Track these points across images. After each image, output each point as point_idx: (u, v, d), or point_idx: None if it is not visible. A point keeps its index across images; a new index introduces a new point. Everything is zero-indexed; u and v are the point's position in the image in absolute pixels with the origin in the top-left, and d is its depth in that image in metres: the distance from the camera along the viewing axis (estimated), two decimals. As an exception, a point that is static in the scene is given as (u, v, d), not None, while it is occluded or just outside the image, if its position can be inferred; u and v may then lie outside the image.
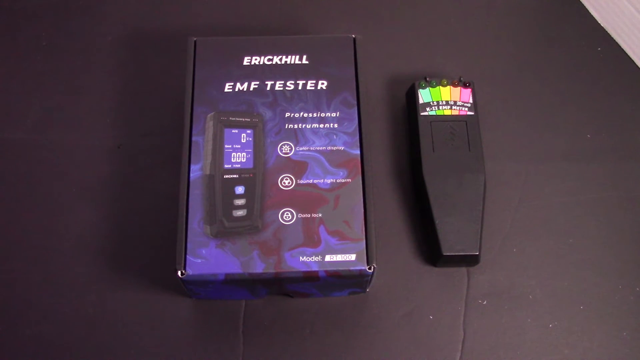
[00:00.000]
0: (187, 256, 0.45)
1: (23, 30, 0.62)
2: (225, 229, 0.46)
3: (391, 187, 0.55)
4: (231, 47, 0.52)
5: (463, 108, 0.54)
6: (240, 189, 0.47)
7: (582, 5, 0.64)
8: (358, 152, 0.48)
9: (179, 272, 0.44)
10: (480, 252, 0.50)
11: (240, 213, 0.46)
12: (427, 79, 0.55)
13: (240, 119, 0.49)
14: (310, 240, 0.46)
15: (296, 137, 0.49)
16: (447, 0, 0.65)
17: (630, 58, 0.61)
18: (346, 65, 0.52)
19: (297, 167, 0.48)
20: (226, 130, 0.49)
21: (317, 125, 0.49)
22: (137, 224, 0.53)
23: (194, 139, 0.48)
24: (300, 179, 0.47)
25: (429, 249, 0.52)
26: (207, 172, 0.47)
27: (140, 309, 0.50)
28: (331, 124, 0.49)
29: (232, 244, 0.45)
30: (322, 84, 0.51)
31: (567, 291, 0.51)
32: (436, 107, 0.54)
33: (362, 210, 0.46)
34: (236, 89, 0.50)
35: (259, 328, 0.50)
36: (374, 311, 0.51)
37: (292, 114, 0.50)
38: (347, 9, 0.64)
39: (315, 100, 0.50)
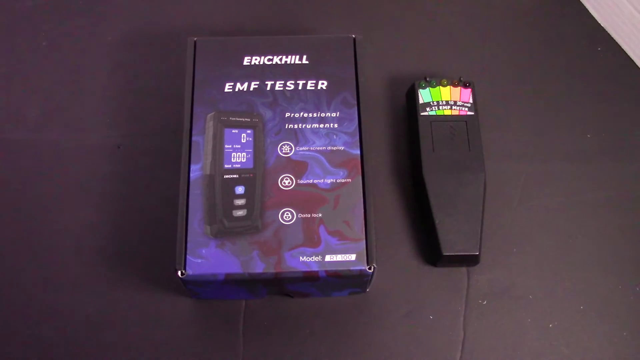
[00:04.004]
0: (187, 256, 0.45)
1: (23, 30, 0.62)
2: (225, 229, 0.46)
3: (391, 187, 0.55)
4: (231, 47, 0.52)
5: (463, 108, 0.54)
6: (240, 189, 0.47)
7: (582, 5, 0.64)
8: (358, 152, 0.48)
9: (179, 272, 0.44)
10: (480, 252, 0.50)
11: (240, 213, 0.46)
12: (427, 79, 0.55)
13: (240, 119, 0.49)
14: (310, 240, 0.46)
15: (296, 137, 0.49)
16: (447, 1, 0.65)
17: (630, 58, 0.61)
18: (346, 65, 0.51)
19: (297, 167, 0.48)
20: (226, 130, 0.49)
21: (317, 125, 0.49)
22: (137, 224, 0.53)
23: (194, 139, 0.48)
24: (300, 179, 0.47)
25: (429, 248, 0.52)
26: (207, 172, 0.47)
27: (140, 309, 0.50)
28: (331, 124, 0.49)
29: (232, 244, 0.45)
30: (322, 84, 0.51)
31: (567, 291, 0.51)
32: (436, 107, 0.54)
33: (362, 210, 0.46)
34: (236, 89, 0.50)
35: (259, 328, 0.50)
36: (374, 311, 0.51)
37: (292, 114, 0.50)
38: (347, 9, 0.64)
39: (315, 100, 0.50)
